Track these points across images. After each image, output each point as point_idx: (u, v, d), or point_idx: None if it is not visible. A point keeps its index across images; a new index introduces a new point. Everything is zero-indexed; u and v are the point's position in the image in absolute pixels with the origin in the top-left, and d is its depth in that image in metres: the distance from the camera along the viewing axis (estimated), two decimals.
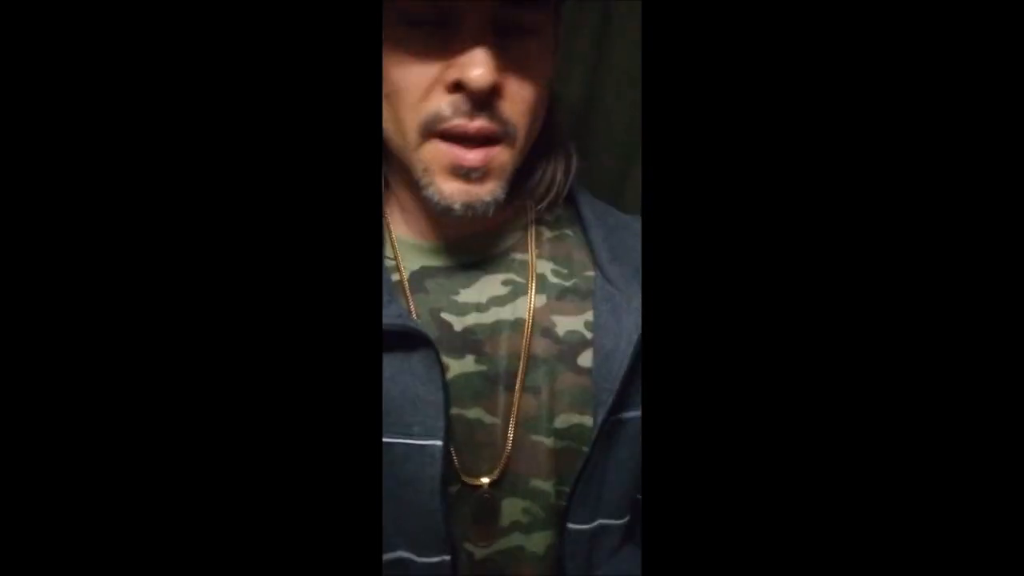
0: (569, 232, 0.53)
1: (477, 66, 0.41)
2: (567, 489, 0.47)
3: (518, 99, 0.44)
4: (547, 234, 0.52)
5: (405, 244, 0.52)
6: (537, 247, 0.51)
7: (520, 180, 0.50)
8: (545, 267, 0.51)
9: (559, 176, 0.51)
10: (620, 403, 0.47)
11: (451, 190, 0.46)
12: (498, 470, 0.47)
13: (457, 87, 0.43)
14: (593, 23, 0.98)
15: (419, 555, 0.46)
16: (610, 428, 0.48)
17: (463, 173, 0.45)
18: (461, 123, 0.44)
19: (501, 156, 0.45)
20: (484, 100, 0.43)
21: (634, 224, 0.55)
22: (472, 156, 0.44)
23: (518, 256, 0.51)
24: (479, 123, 0.44)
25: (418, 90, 0.44)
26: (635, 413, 0.49)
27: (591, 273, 0.50)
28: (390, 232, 0.52)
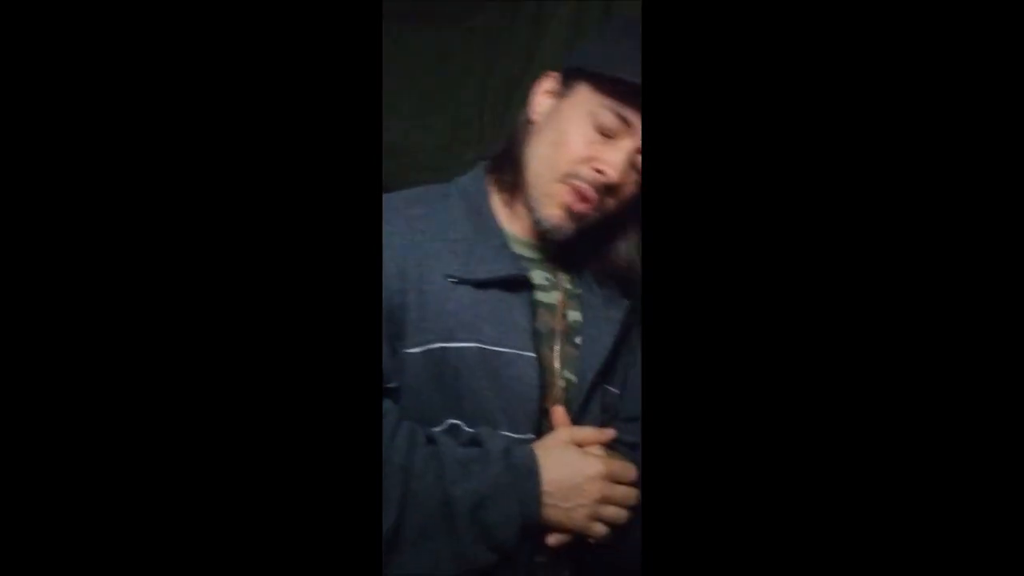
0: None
1: (616, 167, 0.68)
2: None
3: (617, 199, 0.71)
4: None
5: (509, 235, 0.75)
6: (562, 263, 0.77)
7: (584, 238, 0.75)
8: (565, 276, 0.77)
9: (630, 259, 0.76)
10: (602, 374, 0.74)
11: (553, 216, 0.71)
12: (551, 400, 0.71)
13: (600, 171, 0.68)
14: (593, 23, 0.98)
15: (518, 434, 0.67)
16: (591, 388, 0.72)
17: (568, 209, 0.70)
18: (585, 187, 0.69)
19: (589, 218, 0.71)
20: (608, 188, 0.69)
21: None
22: (580, 204, 0.70)
23: (553, 265, 0.76)
24: (594, 194, 0.69)
25: (579, 155, 0.69)
26: (614, 389, 0.76)
27: (580, 289, 0.76)
28: (501, 218, 0.76)
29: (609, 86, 0.68)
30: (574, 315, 0.74)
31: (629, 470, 0.67)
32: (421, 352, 0.67)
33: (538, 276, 0.74)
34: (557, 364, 0.71)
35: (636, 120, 0.67)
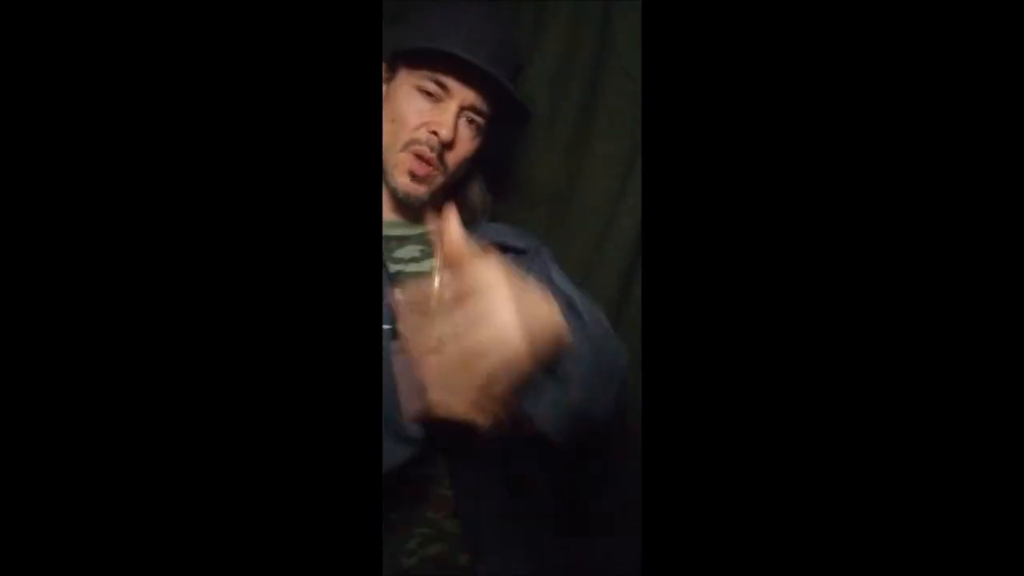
0: None
1: (445, 127, 0.77)
2: None
3: (457, 156, 0.79)
4: None
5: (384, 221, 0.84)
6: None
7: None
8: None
9: (474, 196, 0.87)
10: None
11: (403, 183, 0.79)
12: None
13: (434, 132, 0.77)
14: (593, 23, 0.98)
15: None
16: None
17: (413, 174, 0.79)
18: (423, 150, 0.78)
19: (436, 178, 0.80)
20: (443, 145, 0.78)
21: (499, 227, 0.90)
22: (421, 166, 0.78)
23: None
24: (432, 155, 0.78)
25: (413, 123, 0.78)
26: None
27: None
28: None
29: (422, 59, 0.77)
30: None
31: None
32: None
33: (411, 250, 0.82)
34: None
35: (453, 83, 0.76)
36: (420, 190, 0.79)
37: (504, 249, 0.81)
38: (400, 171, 0.79)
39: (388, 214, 0.85)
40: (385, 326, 0.73)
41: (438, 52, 0.75)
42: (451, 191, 0.84)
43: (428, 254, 0.83)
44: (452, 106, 0.77)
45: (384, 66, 0.83)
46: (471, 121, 0.79)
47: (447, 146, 0.78)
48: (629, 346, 0.89)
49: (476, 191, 0.87)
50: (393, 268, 0.81)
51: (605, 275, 0.96)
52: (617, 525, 0.91)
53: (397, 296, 0.73)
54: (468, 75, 0.76)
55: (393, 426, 0.66)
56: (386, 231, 0.83)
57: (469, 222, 0.82)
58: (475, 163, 0.84)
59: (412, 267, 0.82)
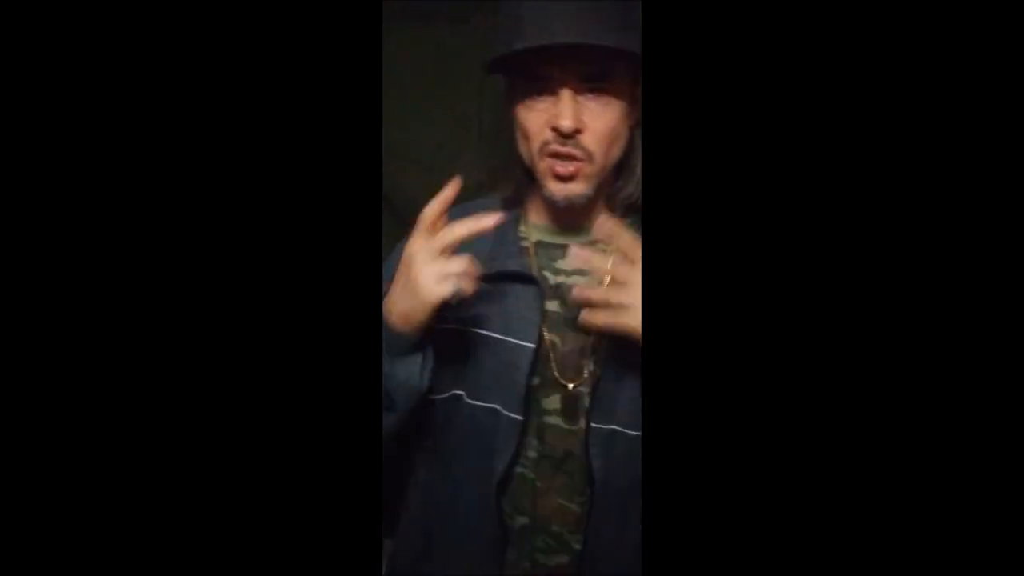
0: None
1: (565, 117, 0.70)
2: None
3: (596, 135, 0.72)
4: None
5: (533, 225, 0.81)
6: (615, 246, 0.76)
7: (609, 189, 0.78)
8: (615, 259, 0.76)
9: (634, 191, 0.78)
10: (620, 352, 0.73)
11: (555, 188, 0.74)
12: (578, 382, 0.76)
13: (555, 129, 0.71)
14: None
15: (506, 409, 0.75)
16: (619, 367, 0.74)
17: (560, 177, 0.73)
18: (556, 147, 0.72)
19: (585, 169, 0.73)
20: (570, 136, 0.71)
21: None
22: (563, 166, 0.72)
23: (600, 245, 0.76)
24: (568, 148, 0.71)
25: (537, 128, 0.73)
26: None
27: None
28: (527, 214, 0.82)
29: (516, 62, 0.72)
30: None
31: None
32: (438, 329, 0.76)
33: (577, 261, 0.77)
34: (589, 345, 0.75)
35: (554, 69, 0.70)
36: (575, 189, 0.73)
37: None
38: (548, 178, 0.74)
39: (550, 220, 0.80)
40: (527, 343, 0.74)
41: (524, 50, 0.68)
42: (616, 175, 0.77)
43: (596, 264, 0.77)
44: (565, 93, 0.70)
45: (499, 81, 0.79)
46: (594, 91, 0.71)
47: (576, 133, 0.71)
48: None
49: (631, 171, 0.78)
50: (554, 280, 0.78)
51: None
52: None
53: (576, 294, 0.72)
54: (563, 54, 0.69)
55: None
56: (549, 239, 0.80)
57: (625, 197, 0.78)
58: (632, 128, 0.76)
59: (576, 279, 0.77)
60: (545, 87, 0.71)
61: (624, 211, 0.79)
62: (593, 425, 0.74)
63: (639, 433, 0.72)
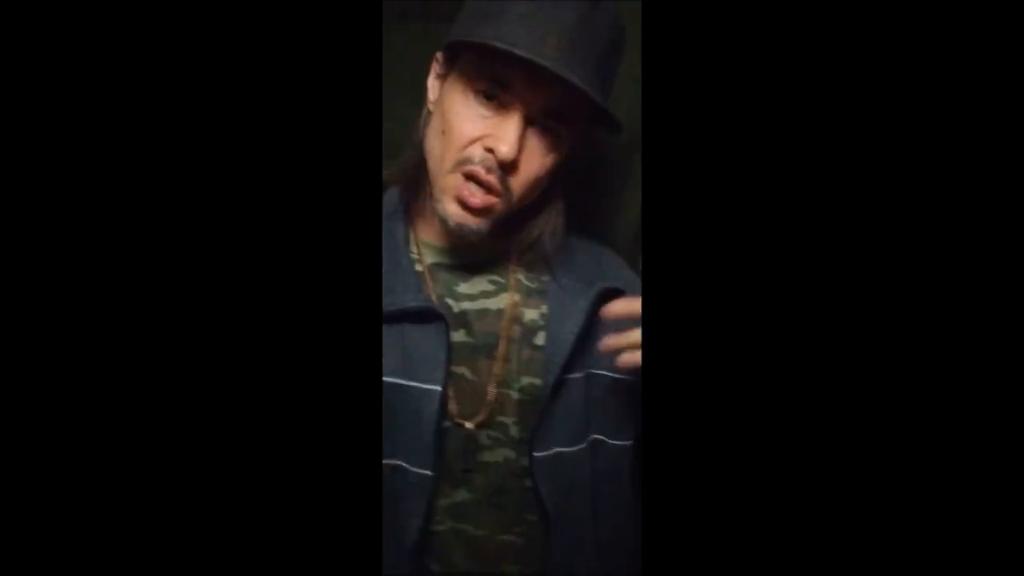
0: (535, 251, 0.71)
1: (506, 143, 0.59)
2: (527, 430, 0.66)
3: (523, 176, 0.63)
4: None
5: (425, 244, 0.70)
6: (515, 260, 0.70)
7: (510, 228, 0.69)
8: (521, 274, 0.70)
9: (545, 239, 0.69)
10: (566, 368, 0.66)
11: (453, 212, 0.64)
12: (480, 416, 0.66)
13: (490, 150, 0.61)
14: None
15: (412, 465, 0.63)
16: (557, 385, 0.66)
17: (464, 203, 0.63)
18: (480, 171, 0.61)
19: (496, 206, 0.63)
20: (502, 166, 0.61)
21: (587, 245, 0.75)
22: (476, 195, 0.62)
23: (499, 264, 0.69)
24: (491, 178, 0.61)
25: (466, 138, 0.62)
26: (577, 374, 0.67)
27: (547, 278, 0.70)
28: (416, 233, 0.70)
29: (483, 55, 0.61)
30: (532, 314, 0.69)
31: None
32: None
33: (481, 282, 0.69)
34: (511, 371, 0.67)
35: (521, 84, 0.60)
36: (475, 221, 0.64)
37: (611, 295, 0.69)
38: (449, 197, 0.63)
39: (443, 240, 0.69)
40: (433, 387, 0.63)
41: (499, 50, 0.58)
42: (520, 220, 0.68)
43: (502, 286, 0.69)
44: (516, 115, 0.61)
45: (437, 59, 0.68)
46: (544, 128, 0.62)
47: (508, 167, 0.61)
48: None
49: (550, 224, 0.69)
50: (457, 307, 0.68)
51: None
52: None
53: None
54: (540, 75, 0.59)
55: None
56: (446, 260, 0.69)
57: (535, 262, 0.70)
58: (555, 180, 0.67)
59: (482, 303, 0.68)
60: (497, 97, 0.62)
61: (521, 254, 0.71)
62: (536, 455, 0.66)
63: (581, 446, 0.67)
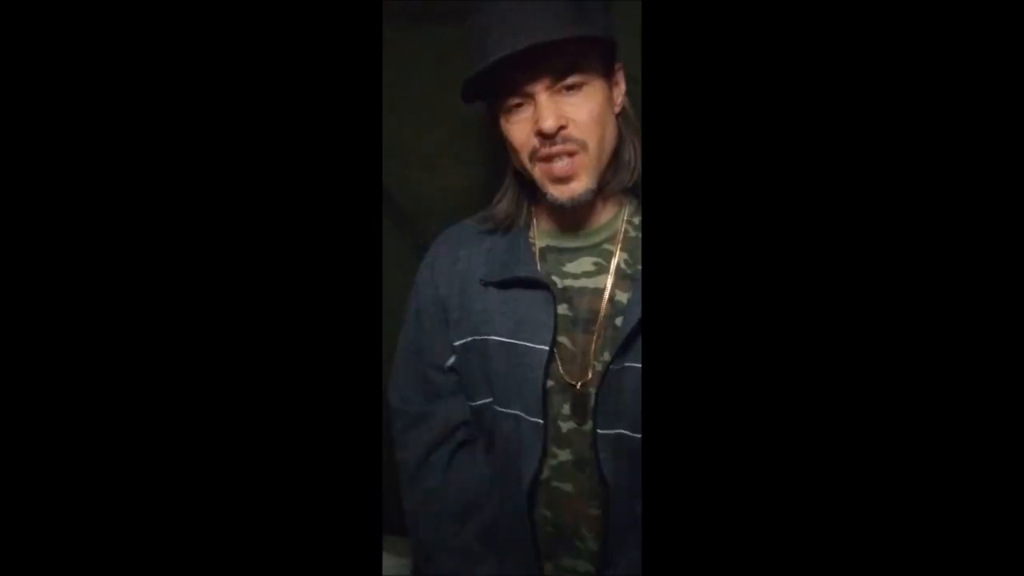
0: (638, 232, 0.80)
1: (546, 119, 0.69)
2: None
3: (582, 125, 0.71)
4: (630, 233, 0.80)
5: (541, 231, 0.82)
6: (621, 243, 0.78)
7: (611, 175, 0.77)
8: (621, 257, 0.78)
9: (632, 160, 0.78)
10: (623, 353, 0.74)
11: (556, 192, 0.73)
12: (583, 381, 0.76)
13: (540, 133, 0.71)
14: None
15: (528, 415, 0.76)
16: (620, 371, 0.74)
17: (558, 179, 0.72)
18: (546, 150, 0.71)
19: (582, 160, 0.72)
20: (555, 135, 0.70)
21: None
22: (559, 167, 0.72)
23: (607, 247, 0.79)
24: (558, 147, 0.71)
25: (524, 138, 0.73)
26: (635, 364, 0.74)
27: (640, 266, 0.77)
28: (537, 221, 0.83)
29: (486, 82, 0.72)
30: (623, 296, 0.77)
31: None
32: (461, 344, 0.81)
33: (586, 263, 0.79)
34: (594, 347, 0.76)
35: (523, 77, 0.70)
36: (578, 188, 0.73)
37: None
38: (546, 183, 0.73)
39: (558, 227, 0.81)
40: (542, 346, 0.75)
41: (489, 67, 0.68)
42: (613, 161, 0.77)
43: (604, 268, 0.78)
44: (540, 96, 0.70)
45: (483, 110, 0.80)
46: (571, 88, 0.71)
47: (561, 131, 0.70)
48: None
49: (628, 146, 0.78)
50: (561, 283, 0.79)
51: None
52: None
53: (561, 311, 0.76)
54: (527, 61, 0.68)
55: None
56: (556, 243, 0.81)
57: (622, 183, 0.78)
58: (617, 116, 0.76)
59: (583, 282, 0.78)
60: (521, 97, 0.71)
61: (619, 198, 0.80)
62: (599, 431, 0.75)
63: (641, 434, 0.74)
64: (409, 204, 1.19)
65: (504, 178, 0.83)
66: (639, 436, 0.73)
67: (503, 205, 0.83)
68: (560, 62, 0.69)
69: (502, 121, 0.75)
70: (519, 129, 0.73)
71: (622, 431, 0.74)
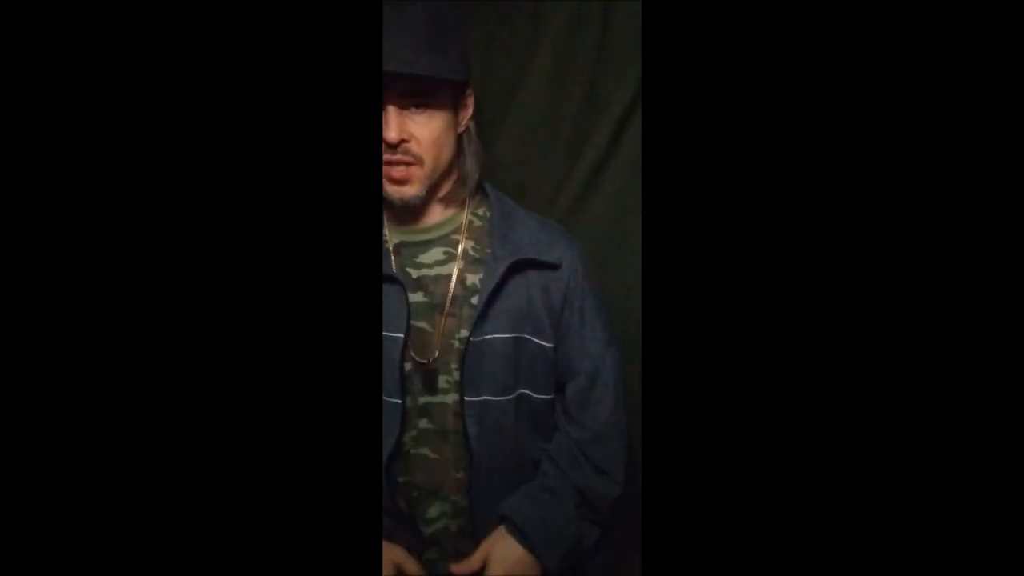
0: (483, 222, 0.91)
1: (389, 131, 0.80)
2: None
3: (422, 143, 0.82)
4: (475, 223, 0.90)
5: (391, 226, 0.90)
6: (466, 232, 0.89)
7: (450, 184, 0.89)
8: (468, 244, 0.88)
9: (473, 171, 0.89)
10: (489, 328, 0.85)
11: (391, 191, 0.84)
12: (432, 358, 0.86)
13: (384, 140, 0.81)
14: (593, 23, 0.98)
15: (389, 397, 0.84)
16: (483, 343, 0.85)
17: (394, 180, 0.83)
18: (388, 156, 0.82)
19: (415, 172, 0.83)
20: (397, 146, 0.81)
21: (519, 212, 0.93)
22: (396, 171, 0.82)
23: (454, 237, 0.89)
24: (397, 156, 0.82)
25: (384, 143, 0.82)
26: (506, 335, 0.86)
27: (488, 250, 0.88)
28: (389, 223, 0.91)
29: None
30: (474, 278, 0.87)
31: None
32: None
33: (436, 253, 0.88)
34: (452, 326, 0.86)
35: (387, 92, 0.79)
36: (408, 190, 0.83)
37: (537, 266, 0.86)
38: (387, 184, 0.83)
39: (409, 225, 0.89)
40: (398, 334, 0.83)
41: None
42: (448, 174, 0.87)
43: (453, 256, 0.87)
44: (390, 109, 0.80)
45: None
46: (418, 106, 0.81)
47: (402, 143, 0.80)
48: (630, 345, 0.89)
49: (468, 159, 0.88)
50: (416, 273, 0.87)
51: None
52: None
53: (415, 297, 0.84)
54: (386, 77, 0.77)
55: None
56: (407, 238, 0.88)
57: (461, 191, 0.88)
58: (459, 138, 0.87)
59: (437, 270, 0.87)
60: (384, 103, 0.81)
61: (454, 204, 0.89)
62: (466, 398, 0.84)
63: (508, 397, 0.85)
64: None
65: None
66: (503, 399, 0.85)
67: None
68: (411, 87, 0.80)
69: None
70: (385, 134, 0.83)
71: (487, 397, 0.84)
